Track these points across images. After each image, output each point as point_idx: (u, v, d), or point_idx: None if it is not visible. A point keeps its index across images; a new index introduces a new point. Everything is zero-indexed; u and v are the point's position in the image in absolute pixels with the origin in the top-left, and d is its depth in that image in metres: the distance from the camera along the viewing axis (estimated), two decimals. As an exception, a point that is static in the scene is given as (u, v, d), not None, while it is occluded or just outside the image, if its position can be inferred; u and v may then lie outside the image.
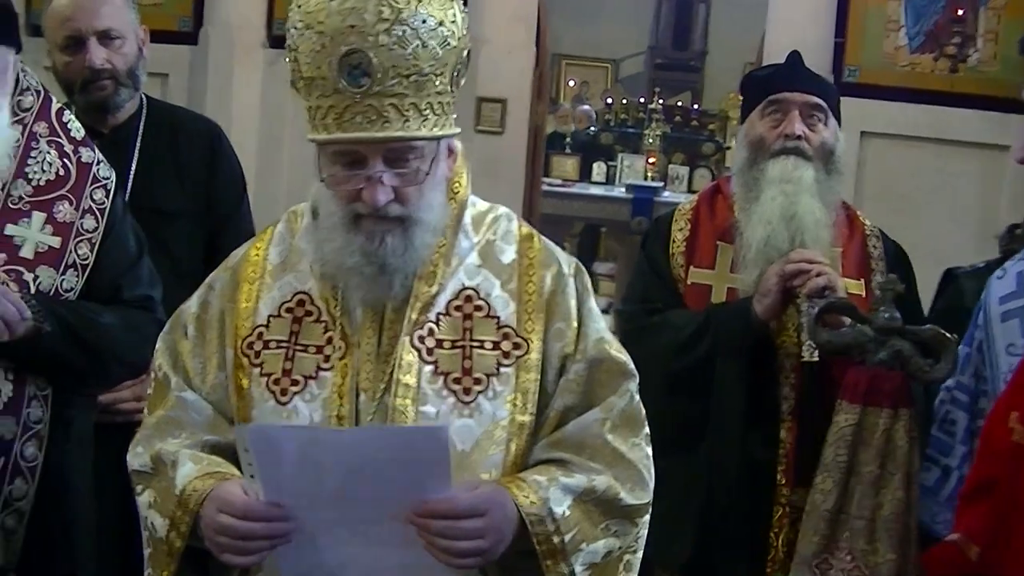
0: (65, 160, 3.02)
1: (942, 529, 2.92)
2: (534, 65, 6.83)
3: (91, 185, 3.03)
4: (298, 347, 2.30)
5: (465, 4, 2.29)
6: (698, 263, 3.46)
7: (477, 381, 2.27)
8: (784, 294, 3.26)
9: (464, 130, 2.37)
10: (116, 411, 3.28)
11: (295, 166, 6.48)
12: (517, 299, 2.33)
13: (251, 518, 2.11)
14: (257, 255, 2.40)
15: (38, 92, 3.04)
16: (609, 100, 11.71)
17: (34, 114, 3.01)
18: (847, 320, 3.14)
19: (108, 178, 3.07)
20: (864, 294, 3.38)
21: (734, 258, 3.41)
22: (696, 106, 11.74)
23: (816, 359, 3.20)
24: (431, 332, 2.29)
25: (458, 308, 2.31)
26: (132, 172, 3.64)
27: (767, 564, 3.31)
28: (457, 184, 2.37)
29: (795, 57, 3.51)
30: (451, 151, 2.31)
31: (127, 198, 3.34)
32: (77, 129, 3.09)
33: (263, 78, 6.66)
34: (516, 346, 2.30)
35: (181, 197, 3.72)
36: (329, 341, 2.29)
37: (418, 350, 2.27)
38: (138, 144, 3.69)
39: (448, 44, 2.19)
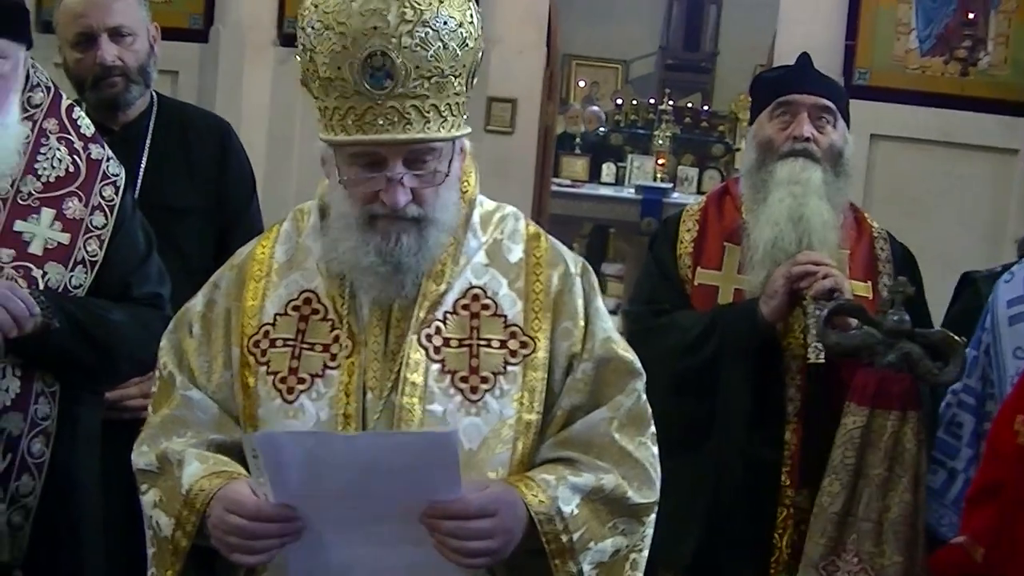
0: (75, 157, 3.02)
1: (947, 532, 2.92)
2: (545, 65, 6.83)
3: (100, 182, 3.04)
4: (304, 345, 2.30)
5: (477, 3, 2.29)
6: (705, 264, 3.46)
7: (484, 380, 2.27)
8: (791, 296, 3.26)
9: (474, 130, 2.38)
10: (123, 408, 3.28)
11: (305, 164, 6.48)
12: (524, 298, 2.33)
13: (262, 519, 2.11)
14: (263, 253, 2.39)
15: (48, 89, 3.05)
16: (619, 101, 11.69)
17: (44, 111, 3.02)
18: (854, 322, 3.14)
19: (117, 175, 3.08)
20: (871, 296, 3.38)
21: (741, 259, 3.41)
22: (706, 107, 11.70)
23: (822, 361, 3.19)
24: (438, 331, 2.29)
25: (465, 307, 2.31)
26: (142, 169, 3.65)
27: (771, 565, 3.31)
28: (466, 183, 2.37)
29: (804, 59, 3.51)
30: (461, 150, 2.31)
31: (137, 195, 3.35)
32: (87, 126, 3.09)
33: (273, 76, 6.67)
34: (523, 345, 2.30)
35: (191, 194, 3.73)
36: (336, 339, 2.29)
37: (425, 348, 2.27)
38: (148, 141, 3.70)
39: (467, 45, 2.20)
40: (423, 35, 2.14)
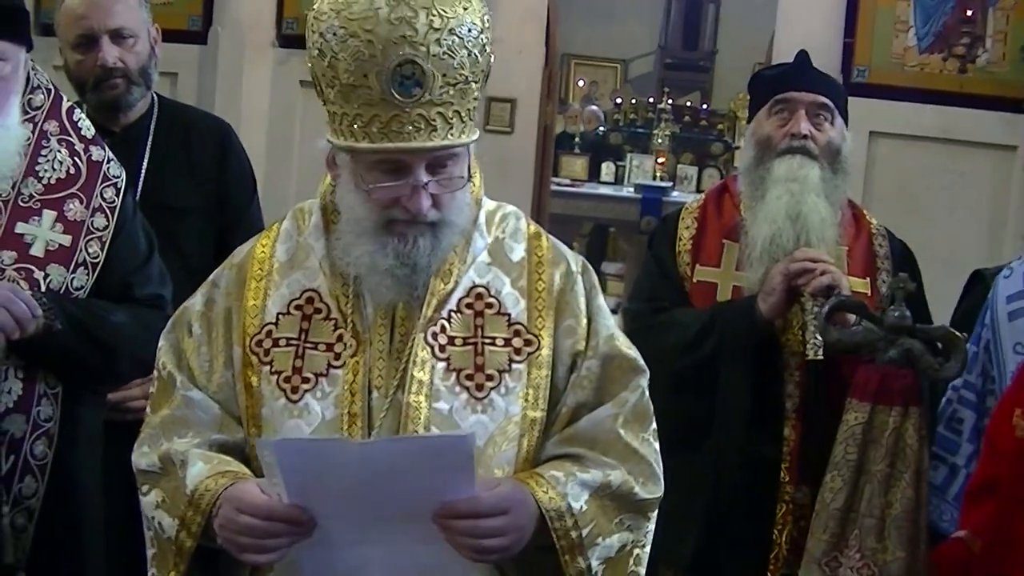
0: (75, 159, 3.03)
1: (949, 527, 2.92)
2: (544, 65, 6.83)
3: (101, 183, 3.04)
4: (308, 345, 2.30)
5: (480, 5, 2.29)
6: (704, 261, 3.47)
7: (490, 377, 2.28)
8: (789, 293, 3.27)
9: (474, 130, 2.38)
10: (126, 409, 3.27)
11: (304, 164, 6.48)
12: (527, 296, 2.35)
13: (273, 518, 2.12)
14: (263, 252, 2.39)
15: (48, 91, 3.05)
16: (618, 100, 11.67)
17: (44, 113, 3.02)
18: (853, 318, 3.15)
19: (118, 176, 3.08)
20: (870, 292, 3.40)
21: (740, 256, 3.43)
22: (705, 106, 11.69)
23: (821, 357, 3.20)
24: (443, 329, 2.30)
25: (469, 305, 2.33)
26: (143, 170, 3.65)
27: (770, 562, 3.32)
28: (472, 184, 2.38)
29: (802, 56, 3.52)
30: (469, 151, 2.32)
31: (138, 196, 3.36)
32: (87, 128, 3.10)
33: (273, 77, 6.66)
34: (527, 343, 2.32)
35: (192, 194, 3.74)
36: (339, 339, 2.30)
37: (431, 346, 2.29)
38: (149, 142, 3.71)
39: (485, 51, 2.22)
40: (450, 43, 2.15)
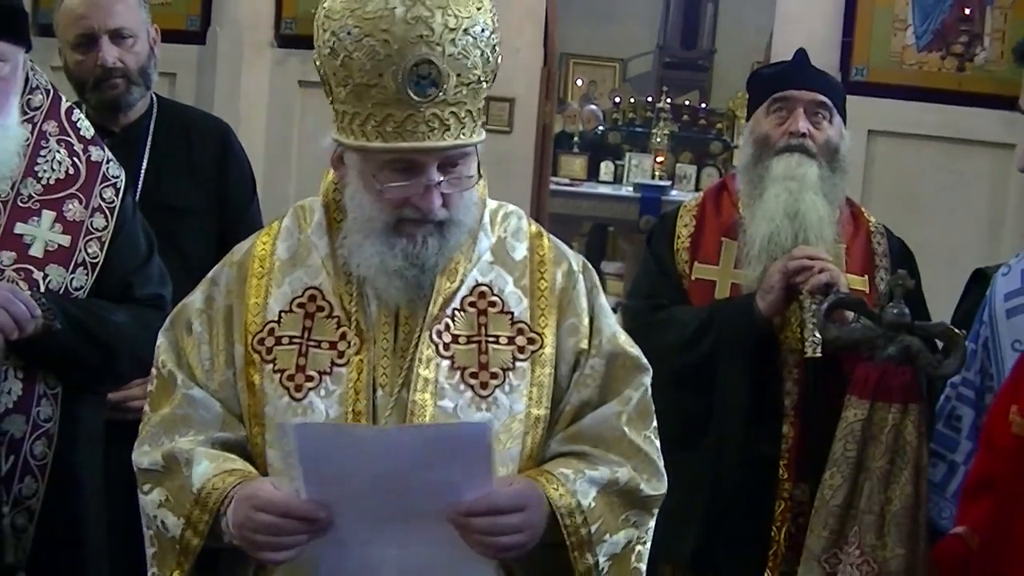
0: (75, 159, 3.03)
1: (948, 524, 2.92)
2: (542, 64, 6.83)
3: (101, 184, 3.04)
4: (311, 343, 2.31)
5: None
6: (703, 259, 3.48)
7: (494, 375, 2.30)
8: (787, 291, 3.28)
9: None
10: (126, 409, 3.27)
11: (303, 164, 6.49)
12: (530, 295, 2.37)
13: (291, 516, 2.12)
14: (264, 250, 2.39)
15: (47, 91, 3.05)
16: (617, 99, 11.69)
17: (43, 113, 3.02)
18: (851, 315, 3.16)
19: (118, 177, 3.09)
20: (868, 290, 3.41)
21: (738, 254, 3.44)
22: (704, 105, 11.70)
23: (819, 355, 3.21)
24: (447, 327, 2.31)
25: (472, 304, 2.34)
26: (143, 170, 3.66)
27: (769, 559, 3.32)
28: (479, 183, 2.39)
29: (801, 55, 3.53)
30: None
31: (138, 196, 3.37)
32: (86, 128, 3.10)
33: (271, 77, 6.66)
34: (531, 341, 2.33)
35: (192, 194, 3.75)
36: (343, 336, 2.30)
37: (436, 344, 2.29)
38: (149, 142, 3.71)
39: (495, 51, 2.23)
40: (464, 43, 2.16)
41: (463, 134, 2.21)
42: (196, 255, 3.60)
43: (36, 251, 2.93)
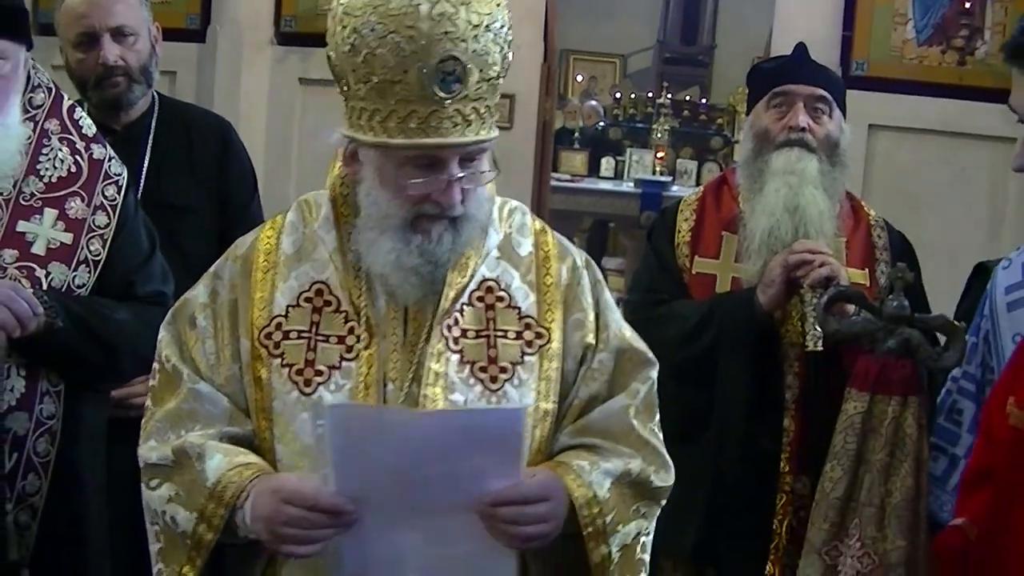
0: (77, 157, 3.03)
1: (949, 518, 2.91)
2: (542, 61, 6.83)
3: (103, 181, 3.05)
4: (320, 337, 2.31)
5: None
6: (703, 253, 3.48)
7: (503, 370, 2.31)
8: (788, 284, 3.28)
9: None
10: (129, 406, 3.27)
11: (304, 162, 6.49)
12: (536, 290, 2.38)
13: (320, 509, 2.13)
14: (269, 244, 2.39)
15: (49, 89, 3.06)
16: (617, 95, 11.69)
17: (45, 111, 3.03)
18: (851, 308, 3.16)
19: (120, 174, 3.09)
20: (868, 283, 3.41)
21: (738, 248, 3.44)
22: (704, 100, 11.70)
23: (820, 348, 3.22)
24: (456, 321, 2.32)
25: (480, 298, 2.35)
26: (144, 168, 3.67)
27: (771, 552, 3.33)
28: None
29: (800, 49, 3.53)
30: None
31: (140, 194, 3.37)
32: (88, 126, 3.10)
33: (271, 76, 6.66)
34: (538, 336, 2.35)
35: (193, 193, 3.75)
36: (351, 331, 2.31)
37: (445, 339, 2.30)
38: (150, 140, 3.72)
39: (509, 46, 2.24)
40: (486, 39, 2.17)
41: (483, 130, 2.22)
42: (197, 253, 3.59)
43: (38, 249, 2.93)
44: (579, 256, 2.47)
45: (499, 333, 2.34)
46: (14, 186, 2.94)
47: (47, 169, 2.99)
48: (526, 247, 2.42)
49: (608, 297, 2.46)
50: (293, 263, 2.36)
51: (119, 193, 3.06)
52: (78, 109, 3.13)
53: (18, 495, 2.88)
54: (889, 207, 4.30)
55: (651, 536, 2.42)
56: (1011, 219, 5.87)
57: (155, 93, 3.79)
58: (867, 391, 2.92)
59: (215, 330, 2.36)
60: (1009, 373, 2.65)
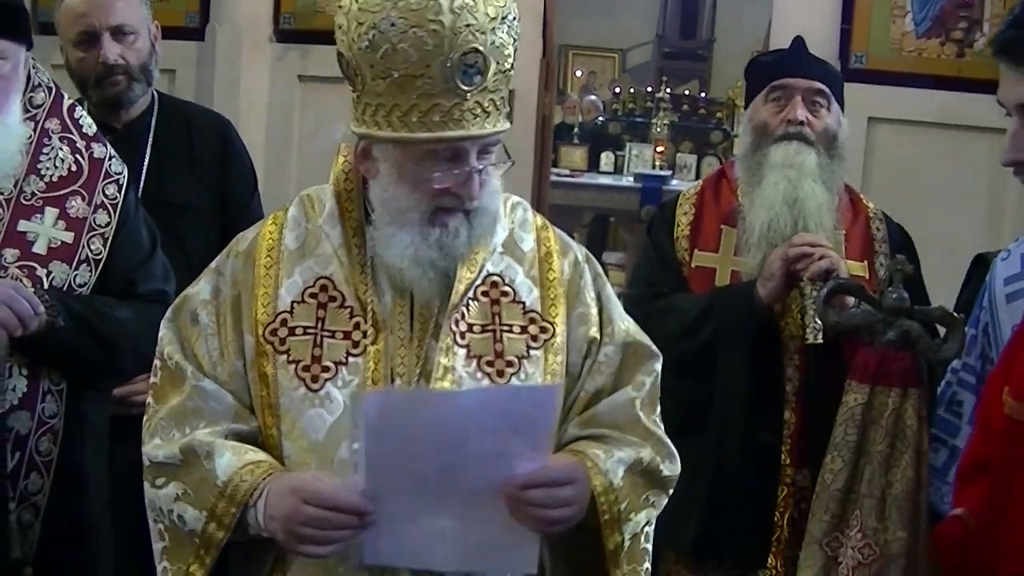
0: (77, 156, 3.04)
1: (949, 509, 2.92)
2: (541, 56, 6.83)
3: (103, 180, 3.05)
4: (325, 333, 2.31)
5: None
6: (702, 246, 3.49)
7: (509, 364, 2.32)
8: (788, 278, 3.29)
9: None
10: (131, 404, 3.28)
11: (304, 159, 6.49)
12: (539, 285, 2.40)
13: (340, 509, 2.13)
14: (271, 240, 2.39)
15: (49, 89, 3.06)
16: (617, 90, 11.69)
17: (46, 111, 3.03)
18: (851, 301, 3.16)
19: (120, 173, 3.10)
20: (868, 276, 3.42)
21: (738, 242, 3.45)
22: (704, 94, 11.69)
23: (820, 341, 3.22)
24: (463, 316, 2.33)
25: (484, 293, 2.37)
26: (145, 166, 3.67)
27: (772, 544, 3.34)
28: None
29: (799, 43, 3.53)
30: None
31: (140, 192, 3.37)
32: (89, 125, 3.11)
33: (271, 74, 6.65)
34: (543, 330, 2.37)
35: (194, 191, 3.76)
36: (357, 326, 2.31)
37: (453, 333, 2.31)
38: (151, 139, 3.73)
39: (519, 39, 2.26)
40: (502, 32, 2.19)
41: (499, 121, 2.24)
42: (198, 252, 3.60)
43: (39, 248, 2.94)
44: (579, 251, 2.48)
45: (505, 328, 2.35)
46: (15, 185, 2.94)
47: (48, 168, 2.99)
48: (528, 242, 2.44)
49: (610, 291, 2.48)
50: (296, 258, 2.36)
51: (120, 192, 3.07)
52: (78, 108, 3.13)
53: (21, 494, 2.89)
54: (888, 199, 4.30)
55: (653, 525, 2.44)
56: (1010, 211, 5.86)
57: (155, 91, 3.80)
58: (867, 383, 2.92)
59: (218, 326, 2.36)
60: (1004, 363, 2.65)
